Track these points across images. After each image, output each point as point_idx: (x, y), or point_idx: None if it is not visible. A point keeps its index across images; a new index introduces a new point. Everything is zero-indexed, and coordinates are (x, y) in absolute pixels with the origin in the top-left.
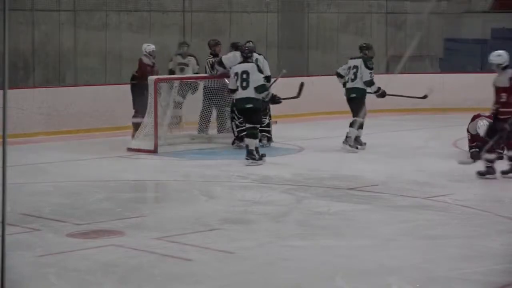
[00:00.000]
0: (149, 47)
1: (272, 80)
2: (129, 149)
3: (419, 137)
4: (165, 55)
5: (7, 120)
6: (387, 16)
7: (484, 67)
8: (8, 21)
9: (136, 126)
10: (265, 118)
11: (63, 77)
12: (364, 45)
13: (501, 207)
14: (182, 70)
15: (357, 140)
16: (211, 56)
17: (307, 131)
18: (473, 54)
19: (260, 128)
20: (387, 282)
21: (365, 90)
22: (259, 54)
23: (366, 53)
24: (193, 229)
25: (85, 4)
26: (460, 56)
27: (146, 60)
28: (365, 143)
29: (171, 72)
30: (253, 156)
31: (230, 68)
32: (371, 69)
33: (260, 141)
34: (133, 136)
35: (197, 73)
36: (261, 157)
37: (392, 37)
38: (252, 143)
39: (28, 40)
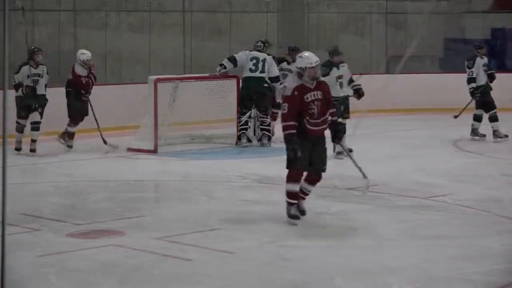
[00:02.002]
0: (83, 55)
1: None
2: (129, 149)
3: (419, 137)
4: (165, 56)
5: (7, 120)
6: (387, 16)
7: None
8: (8, 21)
9: (71, 135)
10: (266, 118)
11: (63, 77)
12: (476, 44)
13: (501, 207)
14: (36, 83)
15: (475, 132)
16: None
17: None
18: (473, 54)
19: (260, 127)
20: (387, 282)
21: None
22: (268, 54)
23: (478, 51)
24: (193, 229)
25: (85, 4)
26: (460, 56)
27: (79, 70)
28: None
29: (19, 86)
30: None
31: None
32: (469, 68)
33: (260, 140)
34: (66, 143)
35: (46, 84)
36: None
37: (392, 37)
38: None
39: (28, 40)
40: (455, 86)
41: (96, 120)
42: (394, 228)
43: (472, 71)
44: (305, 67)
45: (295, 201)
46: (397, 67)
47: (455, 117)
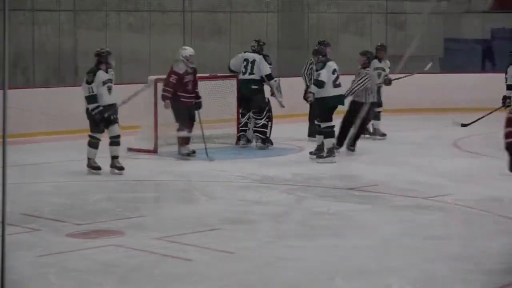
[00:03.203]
0: (185, 50)
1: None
2: (129, 149)
3: (419, 137)
4: (165, 56)
5: (7, 120)
6: (387, 16)
7: (484, 67)
8: (8, 21)
9: (181, 140)
10: (260, 120)
11: (63, 77)
12: None
13: (501, 207)
14: (110, 90)
15: None
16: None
17: (307, 131)
18: (473, 54)
19: (253, 129)
20: (387, 282)
21: None
22: (259, 54)
23: None
24: (193, 229)
25: (85, 4)
26: (460, 56)
27: (178, 67)
28: None
29: (95, 100)
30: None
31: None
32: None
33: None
34: (178, 151)
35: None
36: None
37: (392, 37)
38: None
39: (28, 40)
40: (455, 86)
41: (202, 130)
42: (394, 228)
43: (506, 78)
44: None
45: None
46: (397, 67)
47: (464, 125)
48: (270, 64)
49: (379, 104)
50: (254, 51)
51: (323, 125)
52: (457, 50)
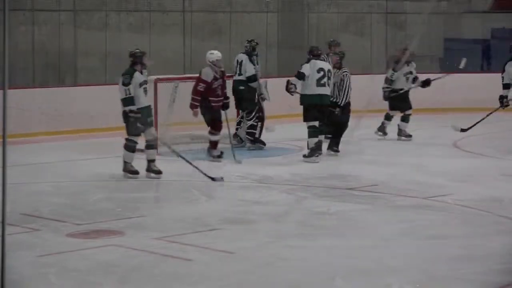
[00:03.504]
0: (212, 55)
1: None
2: None
3: (419, 137)
4: (165, 56)
5: (7, 120)
6: (387, 16)
7: (484, 67)
8: (8, 21)
9: (212, 144)
10: (249, 120)
11: (63, 77)
12: None
13: (501, 207)
14: (146, 91)
15: None
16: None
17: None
18: (473, 54)
19: (245, 130)
20: (387, 282)
21: None
22: (248, 54)
23: None
24: (193, 229)
25: (85, 4)
26: (460, 56)
27: (206, 74)
28: None
29: (132, 103)
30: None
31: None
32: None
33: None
34: (209, 154)
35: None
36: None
37: (392, 37)
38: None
39: (28, 40)
40: (455, 86)
41: (229, 130)
42: (394, 228)
43: (503, 77)
44: None
45: None
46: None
47: (463, 130)
48: (256, 64)
49: (409, 106)
50: (246, 52)
51: (306, 124)
52: (457, 50)
